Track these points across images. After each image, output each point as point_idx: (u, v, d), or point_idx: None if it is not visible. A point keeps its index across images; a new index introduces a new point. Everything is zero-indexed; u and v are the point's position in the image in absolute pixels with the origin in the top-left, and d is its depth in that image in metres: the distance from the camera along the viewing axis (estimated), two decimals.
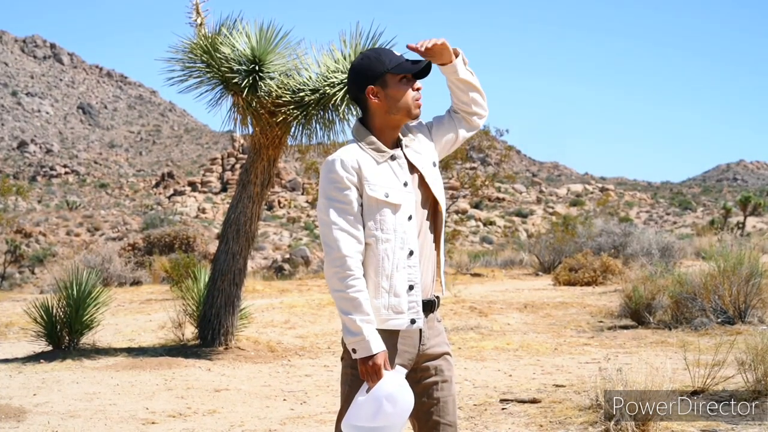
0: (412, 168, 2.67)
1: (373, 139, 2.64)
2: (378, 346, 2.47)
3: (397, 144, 2.69)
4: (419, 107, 2.66)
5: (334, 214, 2.53)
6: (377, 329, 2.52)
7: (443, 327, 2.77)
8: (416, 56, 2.70)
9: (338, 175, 2.54)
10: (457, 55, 2.76)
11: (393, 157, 2.64)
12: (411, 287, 2.58)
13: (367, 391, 2.49)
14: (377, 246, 2.56)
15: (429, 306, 2.66)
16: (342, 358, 2.67)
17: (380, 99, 2.63)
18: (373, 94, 2.63)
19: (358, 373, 2.55)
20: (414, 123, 2.77)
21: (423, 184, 2.67)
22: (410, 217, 2.60)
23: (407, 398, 2.49)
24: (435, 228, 2.71)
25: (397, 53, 2.68)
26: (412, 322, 2.58)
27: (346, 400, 2.61)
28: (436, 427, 2.68)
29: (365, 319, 2.48)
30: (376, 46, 7.55)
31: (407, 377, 2.64)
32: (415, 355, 2.64)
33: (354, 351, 2.49)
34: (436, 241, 2.71)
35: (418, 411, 2.68)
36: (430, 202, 2.68)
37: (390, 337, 2.58)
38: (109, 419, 5.73)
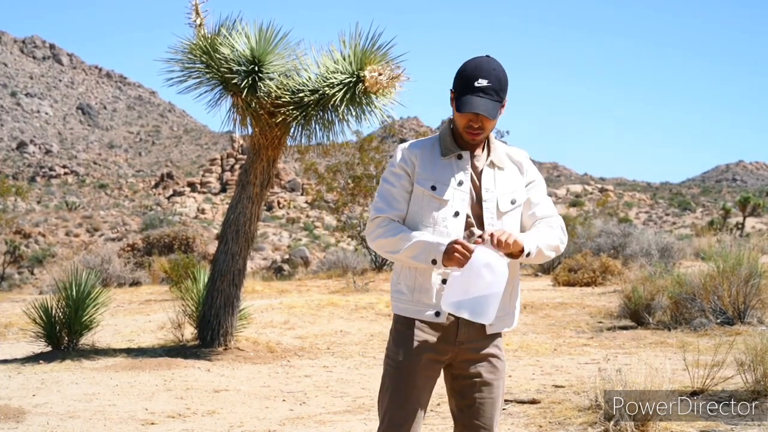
0: (476, 176, 2.69)
1: (446, 136, 2.72)
2: (446, 239, 2.56)
3: (487, 152, 2.72)
4: (470, 135, 2.65)
5: (382, 190, 2.72)
6: (400, 316, 2.67)
7: (500, 338, 2.75)
8: (483, 82, 2.61)
9: (396, 162, 2.73)
10: (527, 254, 2.63)
11: (459, 156, 2.69)
12: (444, 281, 2.63)
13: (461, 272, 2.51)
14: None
15: None
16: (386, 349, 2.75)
17: (452, 105, 2.70)
18: (451, 98, 2.70)
19: (395, 363, 2.66)
20: (519, 155, 2.78)
21: (479, 206, 2.67)
22: (456, 214, 2.64)
23: (503, 265, 2.50)
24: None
25: (477, 83, 2.60)
26: (437, 314, 2.63)
27: (381, 389, 2.70)
28: (470, 427, 2.71)
29: (418, 238, 2.57)
30: (376, 47, 7.54)
31: (445, 374, 2.73)
32: (447, 350, 2.67)
33: (434, 261, 2.54)
34: None
35: (454, 408, 2.75)
36: (481, 224, 2.67)
37: (415, 325, 2.65)
38: (109, 420, 5.73)
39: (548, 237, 2.70)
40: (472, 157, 2.72)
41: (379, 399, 2.74)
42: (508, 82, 2.67)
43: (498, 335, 2.75)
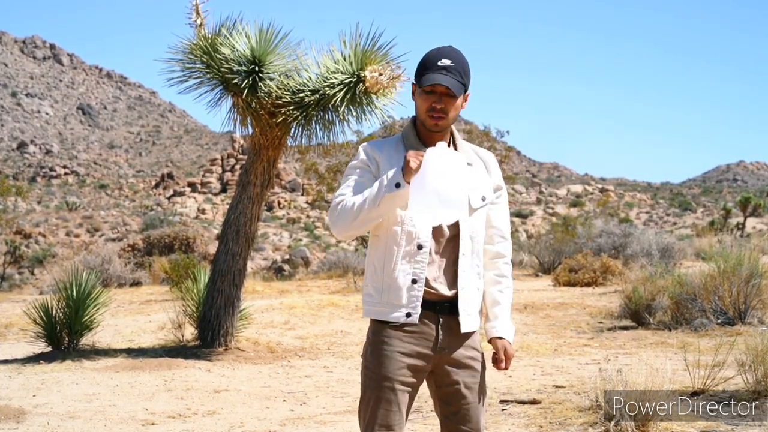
0: None
1: (410, 134, 2.71)
2: (398, 165, 2.56)
3: (453, 147, 2.71)
4: (432, 119, 2.62)
5: (346, 181, 2.70)
6: (375, 320, 2.64)
7: (477, 336, 2.73)
8: (446, 63, 2.61)
9: (359, 159, 2.70)
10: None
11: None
12: (414, 281, 2.59)
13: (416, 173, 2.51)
14: (384, 234, 2.63)
15: (440, 308, 2.63)
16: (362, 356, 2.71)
17: (415, 98, 2.69)
18: (413, 91, 2.70)
19: (371, 374, 2.61)
20: (485, 155, 2.78)
21: None
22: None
23: (457, 160, 2.52)
24: (458, 243, 2.65)
25: (440, 62, 2.60)
26: (408, 315, 2.59)
27: (362, 400, 2.65)
28: None
29: (372, 186, 2.57)
30: (377, 47, 7.54)
31: (427, 380, 2.70)
32: (429, 357, 2.63)
33: (398, 185, 2.51)
34: (455, 253, 2.65)
35: (439, 414, 2.73)
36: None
37: (390, 329, 2.61)
38: (109, 420, 5.73)
39: (509, 302, 2.76)
40: None
41: (359, 410, 2.67)
42: (470, 71, 2.66)
43: (475, 335, 2.72)
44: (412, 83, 2.69)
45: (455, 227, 2.64)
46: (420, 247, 2.59)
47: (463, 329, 2.63)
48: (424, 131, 2.68)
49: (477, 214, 2.68)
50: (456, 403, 2.66)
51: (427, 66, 2.61)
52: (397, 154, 2.67)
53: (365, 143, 2.75)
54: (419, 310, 2.59)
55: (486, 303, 2.76)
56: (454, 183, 2.50)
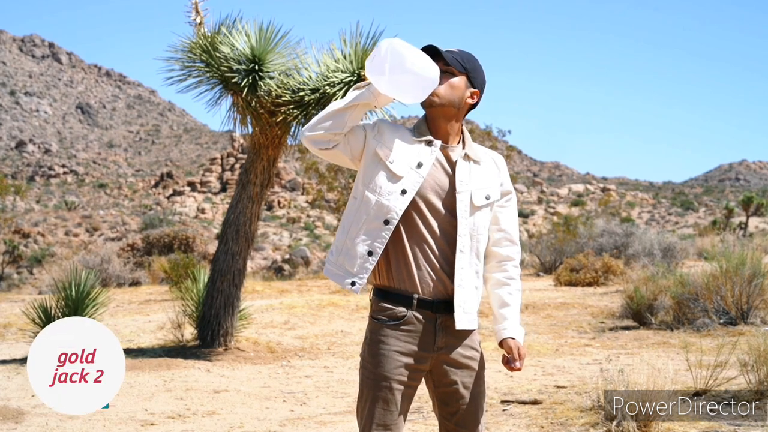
0: (450, 167, 2.66)
1: (422, 123, 2.71)
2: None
3: (462, 146, 2.70)
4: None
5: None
6: (373, 318, 2.64)
7: (476, 336, 2.71)
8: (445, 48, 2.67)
9: (373, 121, 2.71)
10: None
11: (429, 142, 2.66)
12: (370, 253, 2.59)
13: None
14: (359, 198, 2.63)
15: (437, 306, 2.61)
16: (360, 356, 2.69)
17: None
18: None
19: (373, 375, 2.58)
20: (493, 156, 2.77)
21: (452, 197, 2.64)
22: (404, 192, 2.59)
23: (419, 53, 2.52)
24: (451, 237, 2.64)
25: (437, 47, 2.64)
26: (352, 284, 2.60)
27: (359, 399, 2.63)
28: None
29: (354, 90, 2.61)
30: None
31: (426, 379, 2.68)
32: (427, 357, 2.61)
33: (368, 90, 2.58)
34: (452, 250, 2.63)
35: (438, 413, 2.71)
36: (453, 216, 2.63)
37: (388, 328, 2.59)
38: (108, 420, 5.70)
39: (518, 304, 2.74)
40: (446, 147, 2.67)
41: (357, 409, 2.65)
42: (478, 69, 2.68)
43: (474, 334, 2.70)
44: None
45: (453, 224, 2.62)
46: (387, 222, 2.58)
47: (458, 326, 2.60)
48: (431, 121, 2.69)
49: (479, 213, 2.65)
50: (454, 403, 2.65)
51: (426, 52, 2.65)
52: (403, 137, 2.67)
53: (383, 118, 2.80)
54: (364, 282, 2.60)
55: (494, 305, 2.74)
56: (423, 61, 2.50)
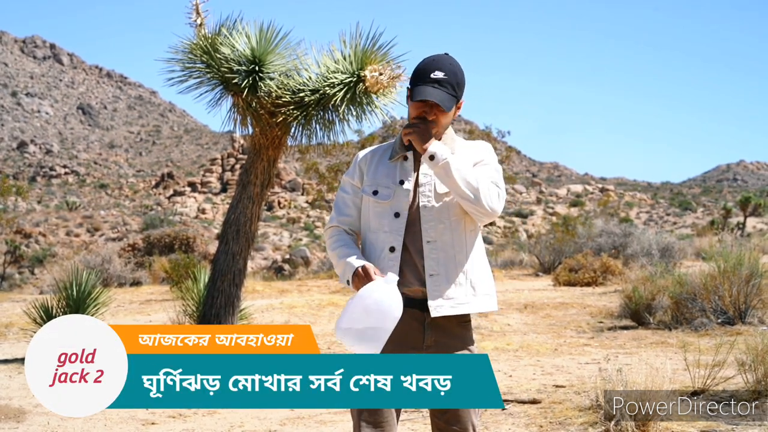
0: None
1: (399, 139, 2.76)
2: (360, 262, 2.63)
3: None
4: None
5: (337, 197, 2.87)
6: None
7: (469, 329, 2.72)
8: (438, 75, 2.65)
9: (349, 171, 2.84)
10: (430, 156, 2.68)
11: (405, 158, 2.73)
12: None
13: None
14: (365, 236, 2.74)
15: (423, 305, 2.63)
16: None
17: (408, 104, 2.74)
18: (408, 95, 2.75)
19: None
20: (477, 144, 2.80)
21: (418, 191, 2.71)
22: (397, 215, 2.65)
23: (394, 305, 2.50)
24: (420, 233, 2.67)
25: (434, 75, 2.65)
26: (348, 282, 2.67)
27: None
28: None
29: (346, 255, 2.67)
30: (377, 46, 7.54)
31: None
32: (413, 352, 2.62)
33: (348, 282, 2.62)
34: (421, 245, 2.65)
35: (430, 413, 2.72)
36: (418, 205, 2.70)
37: None
38: (109, 420, 5.73)
39: (471, 173, 2.60)
40: (420, 156, 2.68)
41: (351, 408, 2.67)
42: (464, 81, 2.70)
43: (466, 330, 2.70)
44: (408, 88, 2.73)
45: (417, 220, 2.66)
46: (392, 249, 2.66)
47: (433, 314, 2.61)
48: None
49: (447, 199, 2.66)
50: None
51: (420, 77, 2.65)
52: (381, 161, 2.76)
53: (361, 151, 2.86)
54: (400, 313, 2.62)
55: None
56: (375, 329, 2.50)
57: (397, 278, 2.55)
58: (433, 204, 2.65)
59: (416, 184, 2.70)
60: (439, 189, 2.66)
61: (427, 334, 2.64)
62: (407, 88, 2.73)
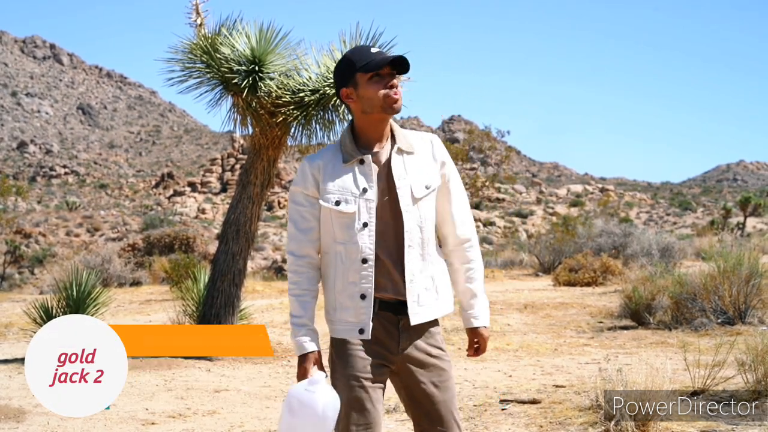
0: (387, 174, 2.62)
1: (346, 140, 2.64)
2: (306, 347, 2.61)
3: (392, 142, 2.66)
4: (394, 102, 2.60)
5: (292, 212, 2.70)
6: (333, 337, 2.67)
7: (439, 331, 2.71)
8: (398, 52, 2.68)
9: (300, 184, 2.66)
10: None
11: (362, 161, 2.61)
12: (363, 296, 2.58)
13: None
14: (331, 248, 2.62)
15: (397, 308, 2.61)
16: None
17: (354, 100, 2.62)
18: (346, 96, 2.63)
19: (339, 375, 2.62)
20: (428, 137, 2.73)
21: (392, 194, 2.61)
22: (365, 225, 2.57)
23: (317, 405, 2.48)
24: (400, 235, 2.62)
25: (374, 50, 2.61)
26: (361, 332, 2.60)
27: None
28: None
29: (298, 320, 2.65)
30: (377, 46, 7.55)
31: (395, 383, 2.68)
32: (392, 359, 2.62)
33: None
34: (403, 247, 2.62)
35: (410, 415, 2.70)
36: (397, 212, 2.61)
37: (349, 343, 2.63)
38: (109, 420, 5.73)
39: (481, 285, 2.75)
40: (377, 154, 2.63)
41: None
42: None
43: (437, 330, 2.69)
44: (344, 88, 2.63)
45: (400, 221, 2.59)
46: (365, 261, 2.57)
47: (413, 321, 2.60)
48: (366, 134, 2.65)
49: (422, 203, 2.62)
50: (425, 404, 2.64)
51: (363, 57, 2.60)
52: (335, 166, 2.62)
53: (305, 159, 2.70)
54: (371, 325, 2.59)
55: (458, 289, 2.75)
56: (302, 428, 2.51)
57: (324, 375, 2.56)
58: (411, 210, 2.60)
59: (387, 187, 2.61)
60: (416, 193, 2.61)
61: (403, 338, 2.62)
62: (344, 89, 2.63)
